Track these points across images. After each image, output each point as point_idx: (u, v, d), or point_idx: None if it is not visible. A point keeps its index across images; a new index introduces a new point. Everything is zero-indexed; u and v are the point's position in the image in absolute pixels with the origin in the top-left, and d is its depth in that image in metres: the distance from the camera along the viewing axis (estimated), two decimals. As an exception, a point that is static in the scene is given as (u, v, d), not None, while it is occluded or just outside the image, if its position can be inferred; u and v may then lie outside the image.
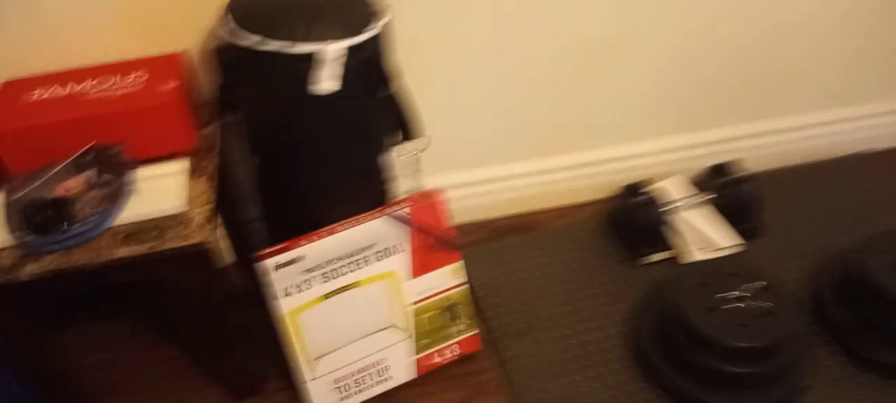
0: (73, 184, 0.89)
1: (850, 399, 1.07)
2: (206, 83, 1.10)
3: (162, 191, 0.92)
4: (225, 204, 1.20)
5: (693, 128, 1.43)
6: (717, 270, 1.12)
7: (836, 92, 1.46)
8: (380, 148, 1.03)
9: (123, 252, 0.84)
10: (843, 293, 1.16)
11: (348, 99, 0.92)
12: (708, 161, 1.43)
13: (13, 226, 0.84)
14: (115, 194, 0.88)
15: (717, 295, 1.08)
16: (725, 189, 1.33)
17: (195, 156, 0.98)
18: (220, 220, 1.24)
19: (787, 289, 1.08)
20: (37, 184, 0.89)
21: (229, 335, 1.00)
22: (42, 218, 0.82)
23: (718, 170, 1.38)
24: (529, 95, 1.28)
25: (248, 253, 1.27)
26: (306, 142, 0.96)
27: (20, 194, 0.87)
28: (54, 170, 0.91)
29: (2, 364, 0.96)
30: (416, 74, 1.18)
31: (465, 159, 1.33)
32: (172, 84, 0.97)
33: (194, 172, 0.96)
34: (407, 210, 1.02)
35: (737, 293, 1.08)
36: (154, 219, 0.89)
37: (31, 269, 0.82)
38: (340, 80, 0.88)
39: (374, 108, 0.98)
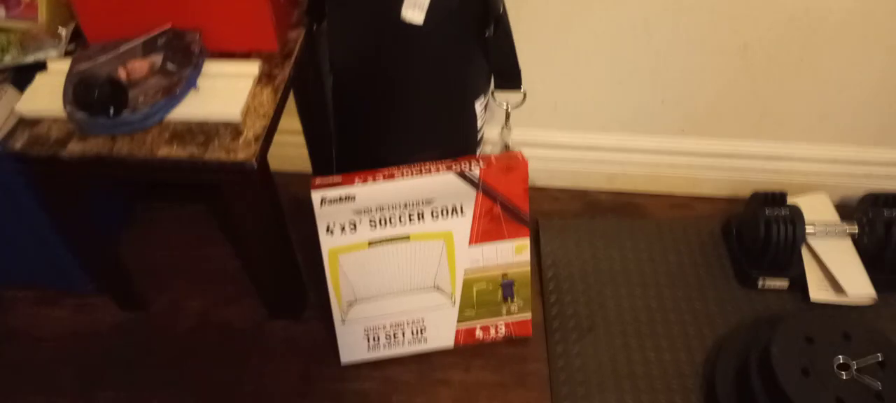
0: (136, 66, 0.86)
1: None
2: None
3: (223, 93, 0.86)
4: (306, 113, 1.15)
5: (871, 141, 1.17)
6: (829, 324, 0.94)
7: None
8: (468, 94, 0.91)
9: (165, 151, 0.80)
10: None
11: (438, 33, 0.80)
12: (867, 184, 1.19)
13: (67, 99, 0.82)
14: (174, 86, 0.84)
15: (820, 356, 0.90)
16: (875, 226, 1.09)
17: (269, 61, 0.92)
18: (301, 128, 1.19)
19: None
20: (103, 58, 0.86)
21: (272, 254, 0.96)
22: (92, 98, 0.79)
23: (874, 201, 1.13)
24: (676, 61, 1.09)
25: (326, 161, 1.22)
26: (385, 73, 0.87)
27: (83, 66, 0.85)
28: (123, 48, 0.88)
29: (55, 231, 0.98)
30: (526, 9, 1.03)
31: (572, 117, 1.18)
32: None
33: (262, 79, 0.89)
34: (479, 170, 0.91)
35: (843, 359, 0.89)
36: (205, 123, 0.84)
37: (73, 148, 0.80)
38: (426, 12, 0.76)
39: (470, 50, 0.86)
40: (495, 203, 0.94)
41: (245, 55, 0.93)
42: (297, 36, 0.96)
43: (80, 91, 0.80)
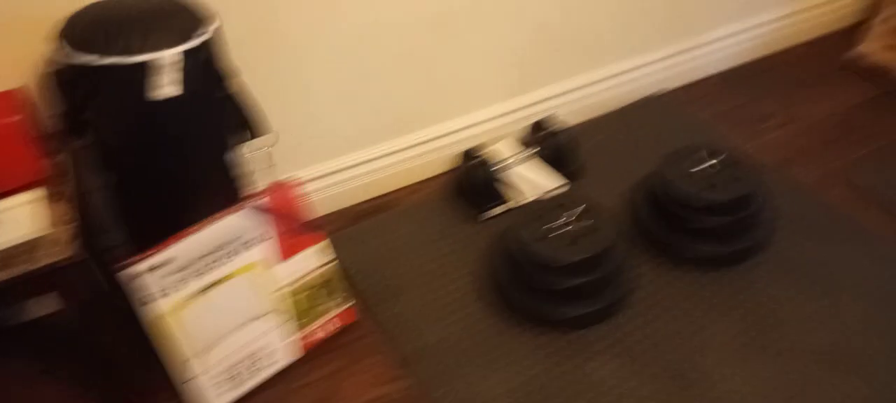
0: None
1: (670, 290, 1.28)
2: (49, 115, 1.12)
3: (21, 219, 0.95)
4: (85, 234, 1.23)
5: (519, 92, 1.62)
6: (546, 205, 1.30)
7: (628, 44, 1.71)
8: (230, 146, 1.11)
9: (-6, 279, 0.87)
10: (652, 205, 1.39)
11: (191, 101, 0.99)
12: (532, 120, 1.63)
13: None
14: (-27, 230, 0.90)
15: (549, 225, 1.26)
16: (546, 141, 1.52)
17: (49, 184, 1.01)
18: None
19: (604, 209, 1.28)
20: None
21: (115, 353, 1.04)
22: None
23: (538, 127, 1.58)
24: (374, 77, 1.41)
25: (109, 279, 1.29)
26: (157, 148, 1.02)
27: None
28: None
29: None
30: (259, 70, 1.27)
31: (318, 151, 1.44)
32: (14, 117, 1.00)
33: (51, 198, 0.99)
34: (264, 200, 1.10)
35: (563, 219, 1.26)
36: (20, 245, 0.91)
37: None
38: (181, 85, 0.96)
39: (218, 109, 1.06)
40: (288, 221, 1.14)
41: (20, 190, 1.01)
42: (62, 158, 1.07)
43: None
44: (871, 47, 1.86)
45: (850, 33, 1.98)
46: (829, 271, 1.29)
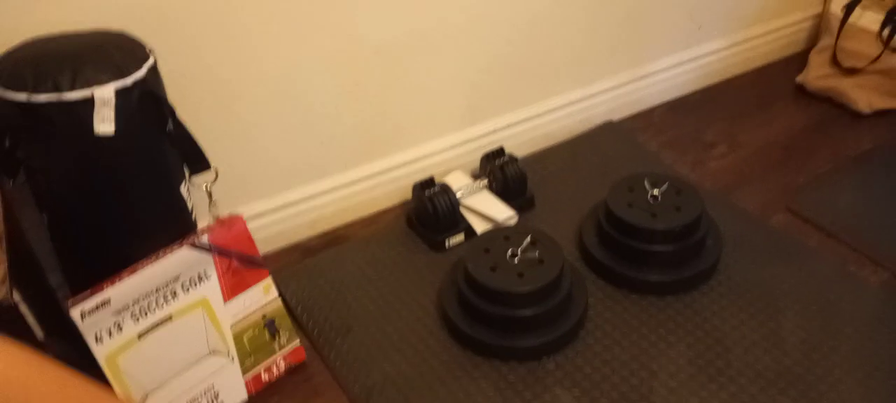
0: None
1: (622, 318, 1.29)
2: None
3: (-56, 265, 0.91)
4: (22, 276, 1.18)
5: (469, 123, 1.63)
6: (494, 237, 1.30)
7: (577, 74, 1.73)
8: (170, 183, 1.09)
9: None
10: (599, 235, 1.40)
11: (128, 138, 0.97)
12: (481, 152, 1.63)
13: None
14: None
15: (496, 255, 1.26)
16: (495, 173, 1.53)
17: (-24, 228, 0.98)
18: (19, 297, 1.21)
19: (551, 240, 1.29)
20: None
21: None
22: None
23: (488, 159, 1.58)
24: (319, 110, 1.40)
25: (55, 321, 1.25)
26: (93, 187, 1.00)
27: None
28: None
29: None
30: (199, 106, 1.25)
31: (263, 186, 1.42)
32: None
33: (-22, 243, 0.96)
34: (206, 237, 1.08)
35: (511, 251, 1.26)
36: (-60, 293, 0.88)
37: None
38: (114, 123, 0.94)
39: (157, 145, 1.04)
40: (231, 259, 1.11)
41: (-53, 235, 0.97)
42: (-6, 201, 1.03)
43: None
44: (807, 77, 1.93)
45: (796, 61, 2.05)
46: (772, 296, 1.31)
